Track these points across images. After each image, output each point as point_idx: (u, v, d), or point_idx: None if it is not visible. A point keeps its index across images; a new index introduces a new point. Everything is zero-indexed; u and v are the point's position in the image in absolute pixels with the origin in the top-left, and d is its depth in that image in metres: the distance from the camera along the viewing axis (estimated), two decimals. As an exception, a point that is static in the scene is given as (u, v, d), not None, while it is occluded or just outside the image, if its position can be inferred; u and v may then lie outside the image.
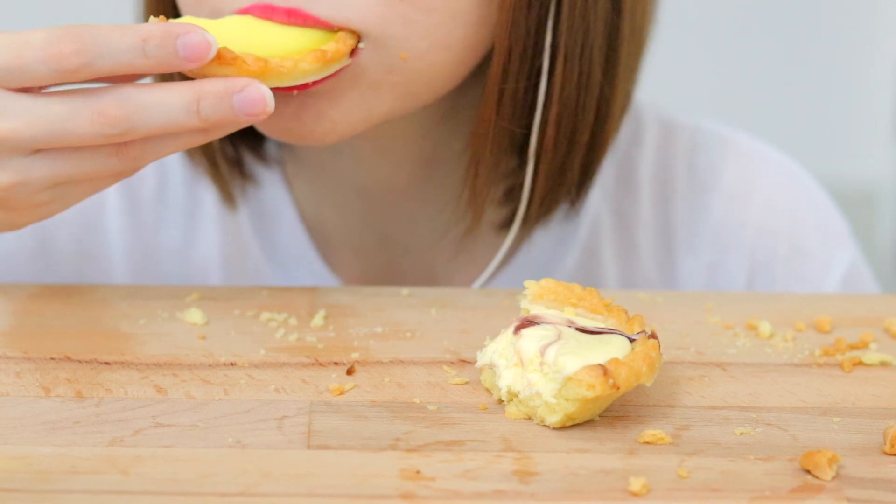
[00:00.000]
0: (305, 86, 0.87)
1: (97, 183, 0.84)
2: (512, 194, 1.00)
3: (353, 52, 0.88)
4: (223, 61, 0.82)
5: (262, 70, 0.83)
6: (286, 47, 0.86)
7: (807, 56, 2.86)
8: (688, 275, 1.10)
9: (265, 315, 0.90)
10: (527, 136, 0.95)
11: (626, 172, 1.10)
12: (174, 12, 0.96)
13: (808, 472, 0.74)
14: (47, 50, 0.78)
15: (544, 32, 0.92)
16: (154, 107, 0.79)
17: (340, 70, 0.88)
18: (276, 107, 0.88)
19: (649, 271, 1.09)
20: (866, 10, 2.86)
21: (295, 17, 0.87)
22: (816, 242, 1.11)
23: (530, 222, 1.00)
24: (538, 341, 0.78)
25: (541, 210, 0.99)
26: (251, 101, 0.81)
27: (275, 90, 0.85)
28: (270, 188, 1.08)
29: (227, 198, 1.07)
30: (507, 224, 1.01)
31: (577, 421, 0.78)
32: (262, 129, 0.93)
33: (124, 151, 0.81)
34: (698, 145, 1.12)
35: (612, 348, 0.78)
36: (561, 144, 0.95)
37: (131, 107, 0.79)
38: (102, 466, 0.73)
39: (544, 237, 1.07)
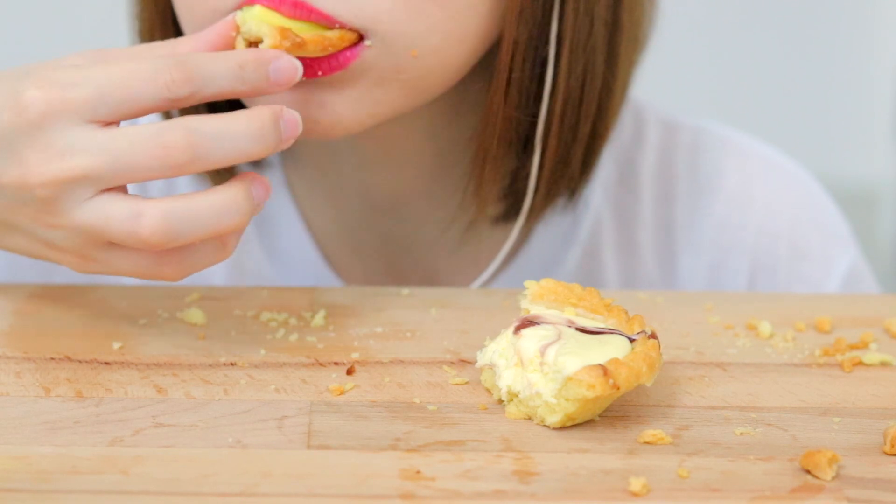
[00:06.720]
0: (314, 73, 0.87)
1: (145, 267, 0.82)
2: (512, 188, 1.00)
3: (355, 45, 0.88)
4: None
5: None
6: None
7: (807, 56, 2.86)
8: (689, 275, 1.10)
9: (265, 315, 0.90)
10: (530, 127, 0.95)
11: (627, 172, 1.10)
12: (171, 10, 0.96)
13: (808, 472, 0.74)
14: (157, 79, 0.78)
15: (550, 21, 0.92)
16: (222, 137, 0.79)
17: (348, 59, 0.88)
18: (281, 98, 0.87)
19: (650, 272, 1.09)
20: (866, 10, 2.86)
21: (300, 10, 0.86)
22: (817, 244, 1.11)
23: (533, 214, 1.00)
24: (538, 341, 0.78)
25: (544, 202, 0.99)
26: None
27: None
28: (272, 191, 1.08)
29: None
30: (506, 219, 1.01)
31: (577, 421, 0.78)
32: None
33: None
34: (700, 146, 1.12)
35: (612, 348, 0.78)
36: (564, 135, 0.96)
37: (198, 136, 0.78)
38: (102, 466, 0.73)
39: (545, 236, 1.07)
